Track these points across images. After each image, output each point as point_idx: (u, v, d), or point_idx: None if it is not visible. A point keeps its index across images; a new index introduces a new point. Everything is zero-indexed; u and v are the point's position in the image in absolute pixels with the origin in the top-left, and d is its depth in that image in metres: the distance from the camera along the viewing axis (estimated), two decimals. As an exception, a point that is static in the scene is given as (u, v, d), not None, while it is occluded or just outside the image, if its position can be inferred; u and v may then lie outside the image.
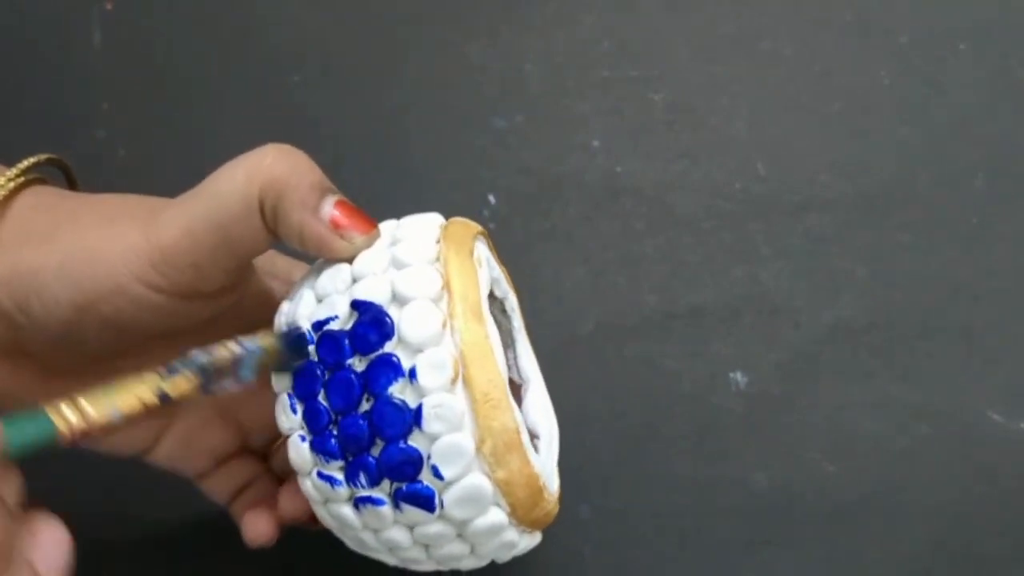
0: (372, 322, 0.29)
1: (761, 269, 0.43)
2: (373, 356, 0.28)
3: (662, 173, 0.45)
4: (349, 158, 0.46)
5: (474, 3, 0.48)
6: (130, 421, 0.27)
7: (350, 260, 0.31)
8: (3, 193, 0.31)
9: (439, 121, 0.46)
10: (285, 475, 0.36)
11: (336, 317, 0.29)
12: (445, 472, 0.28)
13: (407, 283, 0.29)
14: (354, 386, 0.29)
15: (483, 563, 0.32)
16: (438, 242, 0.30)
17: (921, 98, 0.45)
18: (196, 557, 0.40)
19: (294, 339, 0.30)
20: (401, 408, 0.28)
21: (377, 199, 0.45)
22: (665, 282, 0.43)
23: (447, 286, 0.29)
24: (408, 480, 0.28)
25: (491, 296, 0.35)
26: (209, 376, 0.28)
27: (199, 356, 0.29)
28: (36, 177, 0.33)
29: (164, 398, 0.28)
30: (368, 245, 0.31)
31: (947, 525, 0.39)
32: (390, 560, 0.31)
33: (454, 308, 0.29)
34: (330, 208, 0.30)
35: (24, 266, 0.30)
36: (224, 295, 0.32)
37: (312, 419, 0.29)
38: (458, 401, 0.28)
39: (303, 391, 0.30)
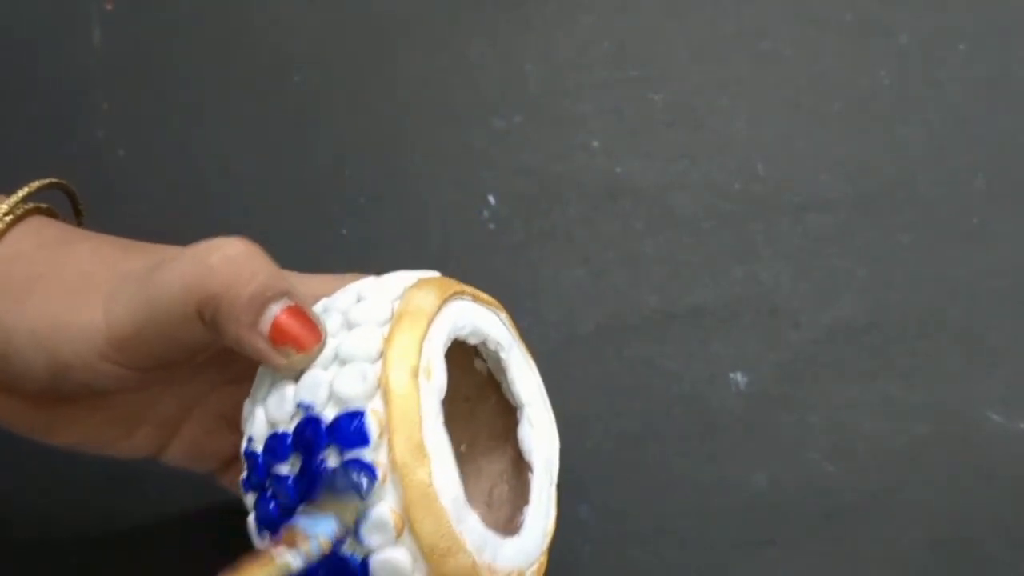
0: (313, 476, 0.29)
1: (761, 269, 0.43)
2: (319, 514, 0.28)
3: (662, 173, 0.45)
4: (349, 158, 0.46)
5: (474, 3, 0.48)
6: None
7: (295, 376, 0.30)
8: None
9: (439, 121, 0.46)
10: None
11: (284, 459, 0.29)
12: None
13: (341, 424, 0.29)
14: None
15: None
16: (379, 357, 0.29)
17: (921, 98, 0.45)
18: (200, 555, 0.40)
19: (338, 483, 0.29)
20: (348, 563, 0.28)
21: (377, 200, 0.45)
22: (665, 282, 0.43)
23: (386, 429, 0.28)
24: None
25: (464, 344, 0.34)
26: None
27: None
28: (34, 206, 0.33)
29: None
30: (306, 363, 0.29)
31: (947, 525, 0.39)
32: None
33: (394, 456, 0.28)
34: (271, 318, 0.29)
35: (3, 325, 0.30)
36: (194, 359, 0.32)
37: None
38: (404, 555, 0.28)
39: (266, 523, 0.30)
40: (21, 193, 0.32)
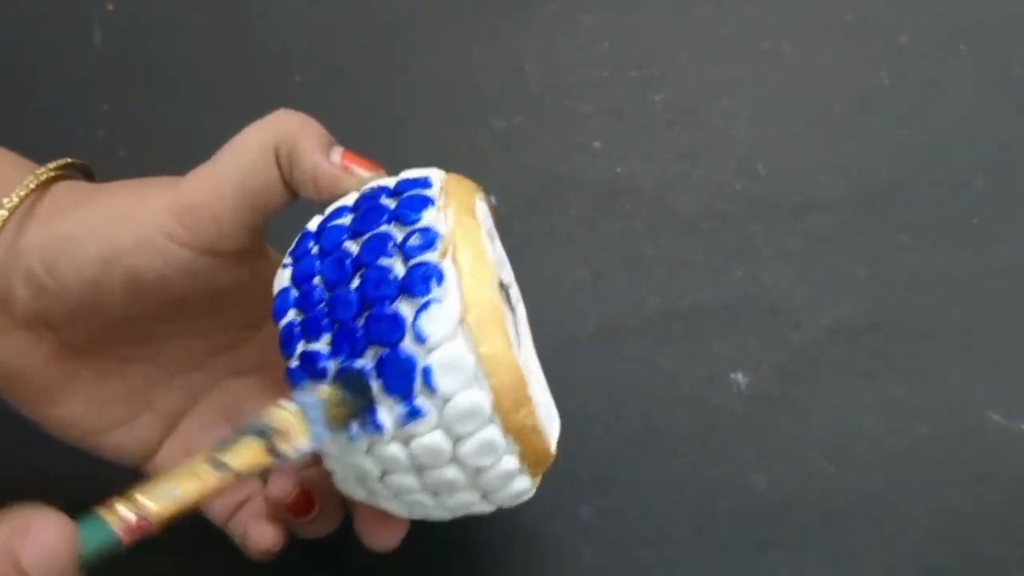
0: (369, 211, 0.30)
1: (761, 269, 0.43)
2: (368, 235, 0.30)
3: (662, 174, 0.45)
4: (349, 158, 0.46)
5: (474, 3, 0.48)
6: (194, 506, 0.25)
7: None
8: (45, 176, 0.33)
9: (439, 121, 0.46)
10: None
11: (340, 215, 0.31)
12: (428, 332, 0.28)
13: (406, 182, 0.31)
14: (346, 265, 0.30)
15: (470, 487, 0.31)
16: (443, 185, 0.32)
17: (921, 98, 0.45)
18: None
19: (353, 378, 0.29)
20: (388, 273, 0.29)
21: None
22: (665, 283, 0.43)
23: (444, 190, 0.31)
24: (392, 345, 0.28)
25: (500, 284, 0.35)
26: (269, 436, 0.27)
27: (251, 421, 0.27)
28: (66, 175, 0.35)
29: (223, 467, 0.26)
30: (374, 181, 0.32)
31: (947, 526, 0.39)
32: (374, 474, 0.30)
33: (448, 201, 0.30)
34: (339, 155, 0.33)
35: (57, 230, 0.32)
36: (240, 261, 0.33)
37: (305, 300, 0.30)
38: (448, 266, 0.29)
39: (300, 277, 0.31)
40: (63, 160, 0.35)
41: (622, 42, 0.47)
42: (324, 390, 0.28)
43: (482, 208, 0.32)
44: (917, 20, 0.46)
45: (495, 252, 0.34)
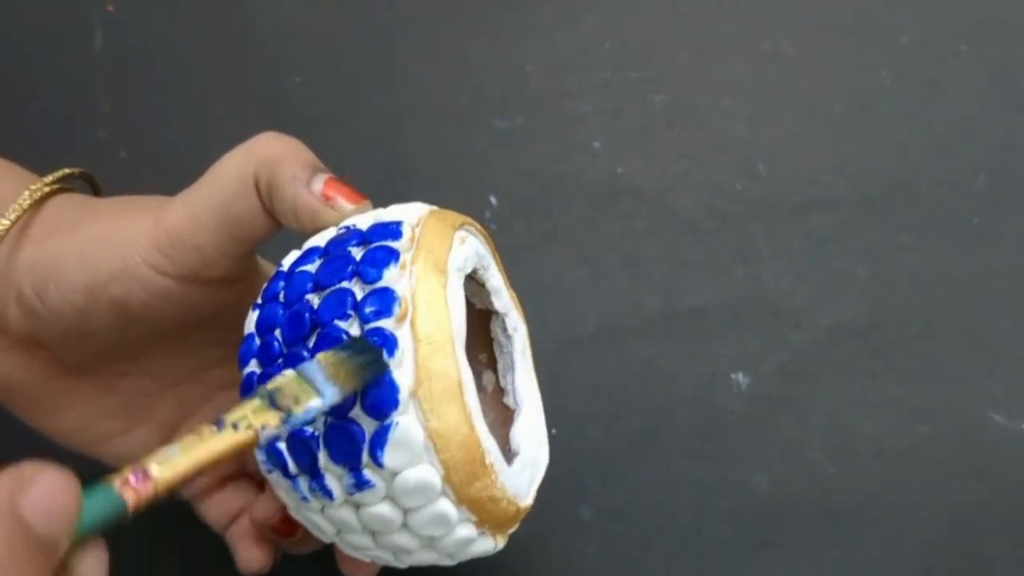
0: (335, 259, 0.29)
1: (762, 270, 0.43)
2: (328, 290, 0.29)
3: (663, 174, 0.45)
4: (349, 159, 0.46)
5: (474, 3, 0.48)
6: (201, 471, 0.25)
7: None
8: (39, 195, 0.33)
9: (439, 122, 0.46)
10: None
11: (310, 258, 0.30)
12: None
13: (378, 227, 0.30)
14: (305, 320, 0.29)
15: (426, 549, 0.30)
16: (419, 223, 0.30)
17: (921, 98, 0.45)
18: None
19: (353, 342, 0.28)
20: (343, 335, 0.28)
21: (377, 201, 0.45)
22: (666, 283, 0.43)
23: (416, 240, 0.29)
24: (339, 416, 0.28)
25: (491, 312, 0.34)
26: (275, 397, 0.26)
27: (257, 389, 0.26)
28: (64, 187, 0.34)
29: (227, 426, 0.25)
30: (357, 214, 0.31)
31: (948, 526, 0.39)
32: (330, 532, 0.30)
33: (417, 256, 0.29)
34: (321, 184, 0.31)
35: (47, 254, 0.32)
36: (227, 286, 0.33)
37: (265, 353, 0.29)
38: (404, 335, 0.27)
39: (264, 326, 0.30)
40: (62, 172, 0.34)
41: (622, 42, 0.47)
42: (320, 355, 0.27)
43: (464, 248, 0.31)
44: (917, 20, 0.46)
45: (493, 282, 0.33)
